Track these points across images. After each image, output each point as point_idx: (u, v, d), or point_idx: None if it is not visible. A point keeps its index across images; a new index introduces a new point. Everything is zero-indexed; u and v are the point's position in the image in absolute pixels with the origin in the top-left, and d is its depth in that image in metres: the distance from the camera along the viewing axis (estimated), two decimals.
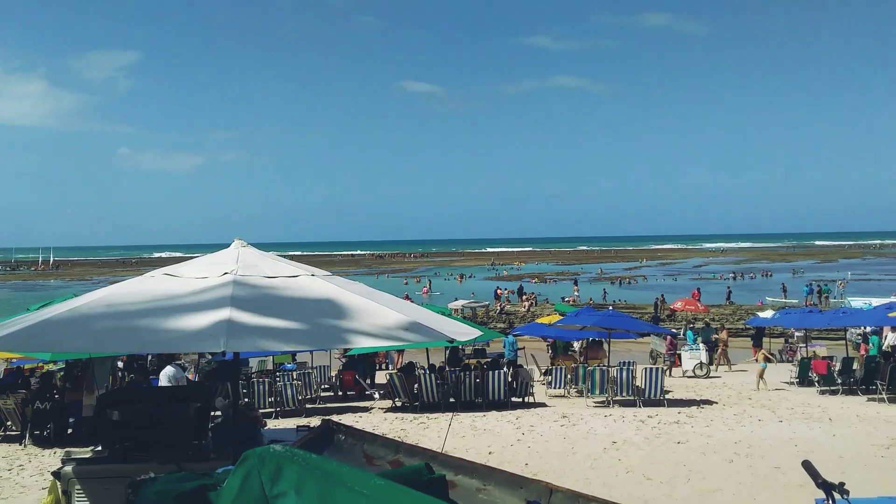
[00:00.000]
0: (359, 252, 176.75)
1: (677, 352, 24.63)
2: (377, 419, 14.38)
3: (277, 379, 17.87)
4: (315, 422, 14.26)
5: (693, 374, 22.71)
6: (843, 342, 23.39)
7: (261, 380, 17.78)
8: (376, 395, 18.96)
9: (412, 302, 42.80)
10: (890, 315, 17.61)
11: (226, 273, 5.32)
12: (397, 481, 1.65)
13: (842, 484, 3.61)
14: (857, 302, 31.66)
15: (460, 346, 23.96)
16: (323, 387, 20.95)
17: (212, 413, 8.53)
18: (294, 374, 19.64)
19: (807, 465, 3.89)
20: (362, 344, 5.10)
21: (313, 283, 5.62)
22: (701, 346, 24.17)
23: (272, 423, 14.27)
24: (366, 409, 16.97)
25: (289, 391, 17.12)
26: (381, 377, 21.19)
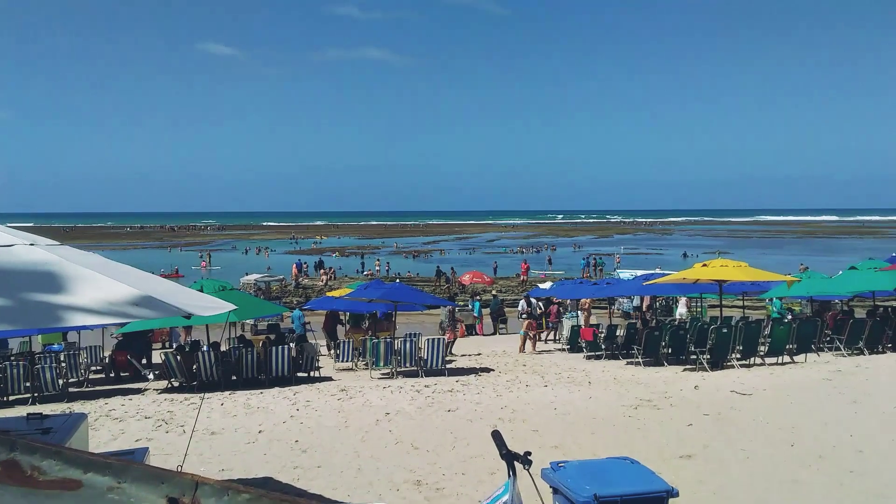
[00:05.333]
0: (150, 225, 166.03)
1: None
2: (147, 401, 13.51)
3: (37, 361, 16.27)
4: (78, 407, 13.14)
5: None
6: (621, 311, 25.43)
7: (17, 362, 16.09)
8: (150, 376, 17.89)
9: (181, 276, 40.38)
10: (645, 284, 19.36)
11: None
12: None
13: (527, 454, 3.71)
14: (626, 273, 34.62)
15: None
16: (93, 368, 19.53)
17: None
18: (61, 355, 18.13)
19: (494, 436, 3.96)
20: (79, 322, 4.62)
21: (31, 253, 5.02)
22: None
23: (24, 411, 12.91)
24: (138, 391, 15.92)
25: (48, 374, 15.63)
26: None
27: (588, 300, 25.40)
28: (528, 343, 21.88)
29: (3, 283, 4.59)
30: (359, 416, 10.66)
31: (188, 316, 5.10)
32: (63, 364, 17.23)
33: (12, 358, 17.52)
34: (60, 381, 15.89)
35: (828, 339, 17.61)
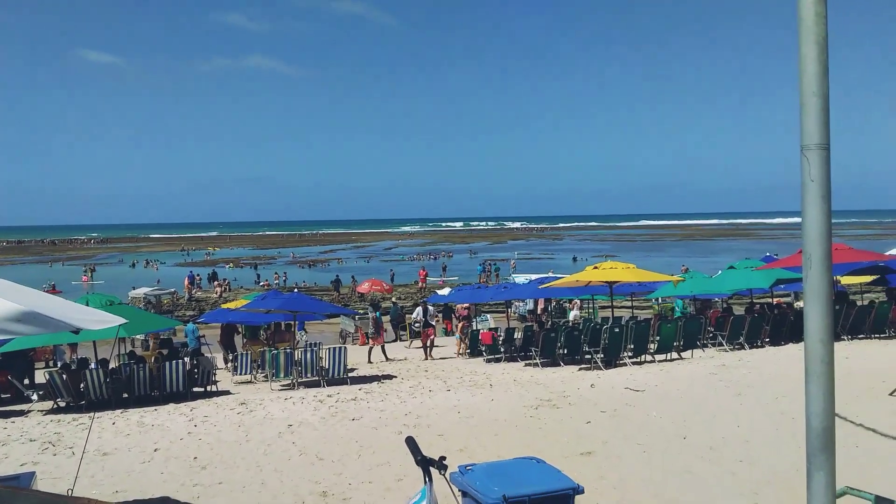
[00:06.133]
0: (28, 239, 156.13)
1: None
2: (31, 423, 12.72)
3: None
4: None
5: None
6: (511, 314, 25.90)
7: None
8: (34, 397, 16.84)
9: (59, 293, 38.52)
10: (540, 287, 19.83)
11: None
12: None
13: (442, 458, 3.75)
14: (520, 278, 35.37)
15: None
16: None
17: None
18: None
19: (409, 442, 3.98)
20: None
21: None
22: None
23: None
24: (21, 413, 14.98)
25: None
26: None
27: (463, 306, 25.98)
28: (429, 350, 21.94)
29: None
30: (260, 430, 10.41)
31: (77, 331, 4.87)
32: None
33: None
34: None
35: (711, 335, 18.56)
